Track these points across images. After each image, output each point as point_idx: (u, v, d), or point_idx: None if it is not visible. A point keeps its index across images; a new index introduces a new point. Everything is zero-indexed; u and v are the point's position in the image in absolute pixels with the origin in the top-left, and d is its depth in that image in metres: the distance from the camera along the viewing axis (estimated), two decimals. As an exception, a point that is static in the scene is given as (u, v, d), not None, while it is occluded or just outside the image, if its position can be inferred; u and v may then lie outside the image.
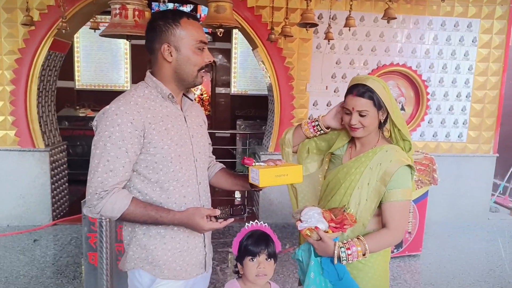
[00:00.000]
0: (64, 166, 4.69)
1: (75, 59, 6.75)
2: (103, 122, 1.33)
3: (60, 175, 4.55)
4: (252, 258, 1.51)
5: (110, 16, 2.33)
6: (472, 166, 4.78)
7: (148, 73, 1.46)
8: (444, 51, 4.56)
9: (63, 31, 3.13)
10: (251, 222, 1.59)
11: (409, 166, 1.59)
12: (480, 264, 3.78)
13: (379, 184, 1.58)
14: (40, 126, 4.21)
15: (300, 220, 1.53)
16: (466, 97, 4.67)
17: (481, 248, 4.14)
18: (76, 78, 6.82)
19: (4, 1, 3.92)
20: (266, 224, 1.60)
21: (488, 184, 4.89)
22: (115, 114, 1.32)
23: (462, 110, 4.69)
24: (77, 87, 6.87)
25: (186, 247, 1.46)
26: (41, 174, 4.22)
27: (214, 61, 7.55)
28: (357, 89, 1.58)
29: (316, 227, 1.49)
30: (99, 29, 3.71)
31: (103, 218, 1.39)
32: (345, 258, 1.48)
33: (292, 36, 3.76)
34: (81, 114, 6.23)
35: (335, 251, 1.47)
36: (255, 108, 7.35)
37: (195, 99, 1.59)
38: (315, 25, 2.68)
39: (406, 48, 4.50)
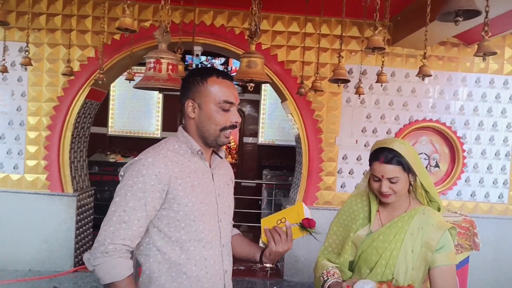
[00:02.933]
0: (90, 211, 4.70)
1: (110, 106, 7.02)
2: (129, 172, 1.31)
3: (86, 220, 4.55)
4: None
5: (144, 68, 2.40)
6: (515, 230, 4.44)
7: (180, 128, 1.45)
8: (480, 108, 4.42)
9: (100, 81, 3.25)
10: None
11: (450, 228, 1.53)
12: None
13: (424, 250, 1.49)
14: (71, 171, 4.29)
15: None
16: (506, 155, 4.44)
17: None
18: (110, 124, 7.05)
19: (48, 52, 4.17)
20: None
21: (535, 251, 4.49)
22: (142, 165, 1.30)
23: (501, 170, 4.44)
24: (109, 133, 7.07)
25: None
26: (67, 219, 4.23)
27: (242, 111, 7.66)
28: (384, 155, 1.53)
29: None
30: (134, 79, 3.86)
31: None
32: None
33: (323, 91, 3.76)
34: (111, 160, 6.35)
35: None
36: (282, 158, 7.29)
37: (225, 154, 1.54)
38: (346, 81, 2.66)
39: (439, 104, 4.40)
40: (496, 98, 4.41)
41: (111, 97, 6.98)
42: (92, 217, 4.75)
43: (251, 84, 2.43)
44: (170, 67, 2.37)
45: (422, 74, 2.35)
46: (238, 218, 6.57)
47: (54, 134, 4.21)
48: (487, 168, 4.45)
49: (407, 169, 1.52)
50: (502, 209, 4.46)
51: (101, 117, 6.55)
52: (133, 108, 7.05)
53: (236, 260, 1.54)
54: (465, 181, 4.44)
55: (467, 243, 3.27)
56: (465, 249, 3.27)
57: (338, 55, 2.52)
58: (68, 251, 4.25)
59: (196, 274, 1.32)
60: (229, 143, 1.46)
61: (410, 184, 1.58)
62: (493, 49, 1.78)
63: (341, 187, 4.41)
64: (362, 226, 1.63)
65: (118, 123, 7.07)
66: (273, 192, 6.33)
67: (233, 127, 1.39)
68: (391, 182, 1.52)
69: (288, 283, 4.27)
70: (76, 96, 4.19)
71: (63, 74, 3.74)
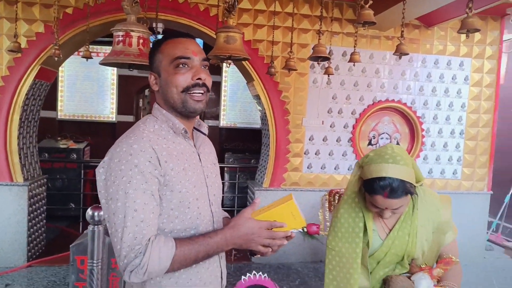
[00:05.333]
0: (43, 201, 4.36)
1: (59, 88, 6.49)
2: (116, 167, 1.12)
3: (38, 211, 4.21)
4: None
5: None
6: (467, 204, 4.73)
7: (155, 105, 1.29)
8: (438, 89, 4.60)
9: (56, 58, 2.95)
10: (248, 274, 1.40)
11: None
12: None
13: (437, 234, 1.54)
14: (20, 158, 3.92)
15: None
16: (460, 134, 4.68)
17: (483, 290, 4.00)
18: (59, 108, 6.54)
19: (-10, 26, 3.73)
20: (265, 275, 1.41)
21: (484, 222, 4.83)
22: (129, 154, 1.12)
23: (456, 147, 4.69)
24: (59, 117, 6.57)
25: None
26: (17, 210, 3.88)
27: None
28: (389, 189, 1.37)
29: None
30: (91, 57, 3.54)
31: (149, 278, 1.11)
32: None
33: (296, 70, 3.70)
34: (62, 146, 5.91)
35: None
36: (244, 141, 7.21)
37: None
38: (327, 58, 2.62)
39: (401, 85, 4.52)
40: (452, 79, 4.61)
41: (59, 78, 6.45)
42: (45, 207, 4.40)
43: (229, 61, 2.30)
44: (141, 41, 2.19)
45: (400, 52, 2.35)
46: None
47: (0, 118, 3.81)
48: (443, 146, 4.68)
49: (411, 192, 1.42)
50: (456, 184, 4.73)
51: (50, 100, 6.03)
52: (85, 90, 6.57)
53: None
54: (423, 159, 4.65)
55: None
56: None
57: (317, 32, 2.46)
58: (21, 246, 3.91)
59: (195, 265, 1.21)
60: (204, 108, 1.25)
61: None
62: (477, 25, 1.79)
63: (307, 168, 4.43)
64: (364, 239, 1.54)
65: (68, 107, 6.57)
66: (236, 175, 6.25)
67: (197, 85, 1.22)
68: (395, 208, 1.43)
69: (256, 265, 4.26)
70: (24, 75, 3.79)
71: (10, 51, 3.35)
